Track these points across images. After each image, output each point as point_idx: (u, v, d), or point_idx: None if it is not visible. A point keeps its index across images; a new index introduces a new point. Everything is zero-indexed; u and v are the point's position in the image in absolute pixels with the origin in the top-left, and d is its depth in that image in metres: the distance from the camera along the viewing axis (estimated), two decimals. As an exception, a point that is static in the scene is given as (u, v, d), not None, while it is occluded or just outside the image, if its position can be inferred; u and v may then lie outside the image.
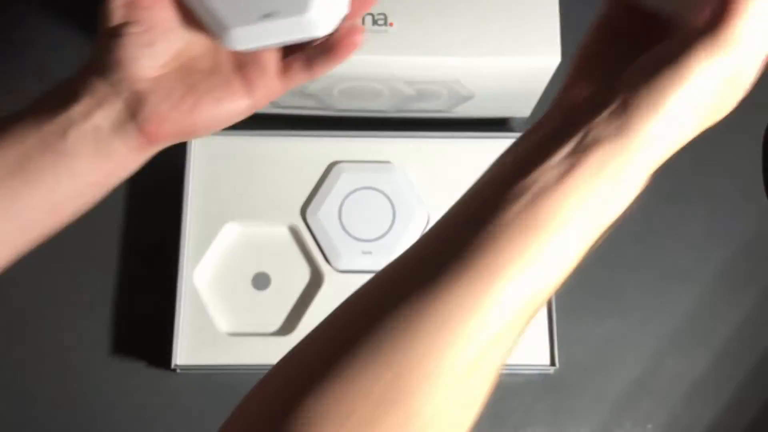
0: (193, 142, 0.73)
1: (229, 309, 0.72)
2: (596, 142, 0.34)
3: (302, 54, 0.45)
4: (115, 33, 0.43)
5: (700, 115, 0.35)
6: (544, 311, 0.71)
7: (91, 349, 0.71)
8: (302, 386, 0.32)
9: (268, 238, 0.73)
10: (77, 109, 0.42)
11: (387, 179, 0.74)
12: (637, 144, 0.34)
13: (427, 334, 0.32)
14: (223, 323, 0.71)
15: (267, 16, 0.42)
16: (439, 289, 0.33)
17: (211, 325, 0.70)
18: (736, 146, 0.78)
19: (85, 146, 0.43)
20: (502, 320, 0.33)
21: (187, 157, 0.73)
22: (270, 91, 0.45)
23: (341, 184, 0.74)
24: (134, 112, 0.43)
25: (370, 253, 0.72)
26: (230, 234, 0.73)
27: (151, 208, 0.75)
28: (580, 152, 0.34)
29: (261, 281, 0.72)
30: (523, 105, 0.73)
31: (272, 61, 0.45)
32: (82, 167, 0.43)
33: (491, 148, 0.67)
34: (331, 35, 0.44)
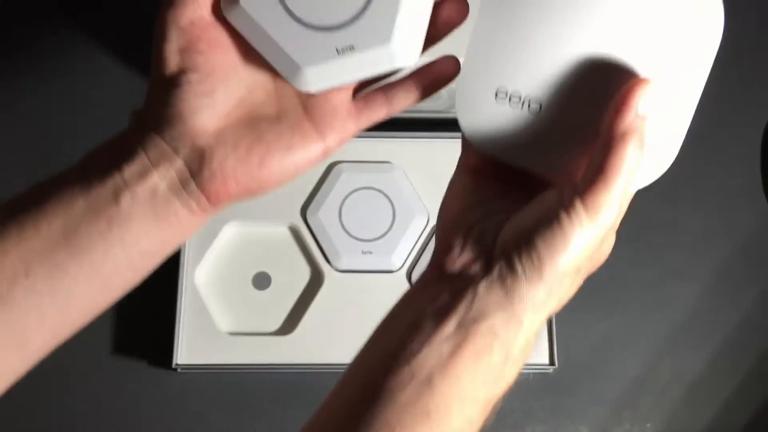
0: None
1: (230, 308, 0.72)
2: (481, 315, 0.34)
3: (380, 90, 0.41)
4: (171, 83, 0.38)
5: (580, 275, 0.36)
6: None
7: (93, 349, 0.72)
8: None
9: (268, 237, 0.74)
10: (131, 170, 0.37)
11: (387, 179, 0.74)
12: (521, 313, 0.34)
13: None
14: (223, 323, 0.71)
15: (344, 50, 0.38)
16: None
17: (211, 325, 0.70)
18: (736, 146, 0.78)
19: (139, 211, 0.37)
20: None
21: (188, 157, 0.73)
22: (344, 133, 0.40)
23: (341, 184, 0.74)
24: (196, 170, 0.38)
25: (370, 253, 0.72)
26: (231, 234, 0.73)
27: (151, 207, 0.75)
28: (467, 325, 0.34)
29: (261, 281, 0.73)
30: (522, 105, 0.73)
31: (344, 100, 0.40)
32: (135, 235, 0.38)
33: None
34: (414, 67, 0.40)
